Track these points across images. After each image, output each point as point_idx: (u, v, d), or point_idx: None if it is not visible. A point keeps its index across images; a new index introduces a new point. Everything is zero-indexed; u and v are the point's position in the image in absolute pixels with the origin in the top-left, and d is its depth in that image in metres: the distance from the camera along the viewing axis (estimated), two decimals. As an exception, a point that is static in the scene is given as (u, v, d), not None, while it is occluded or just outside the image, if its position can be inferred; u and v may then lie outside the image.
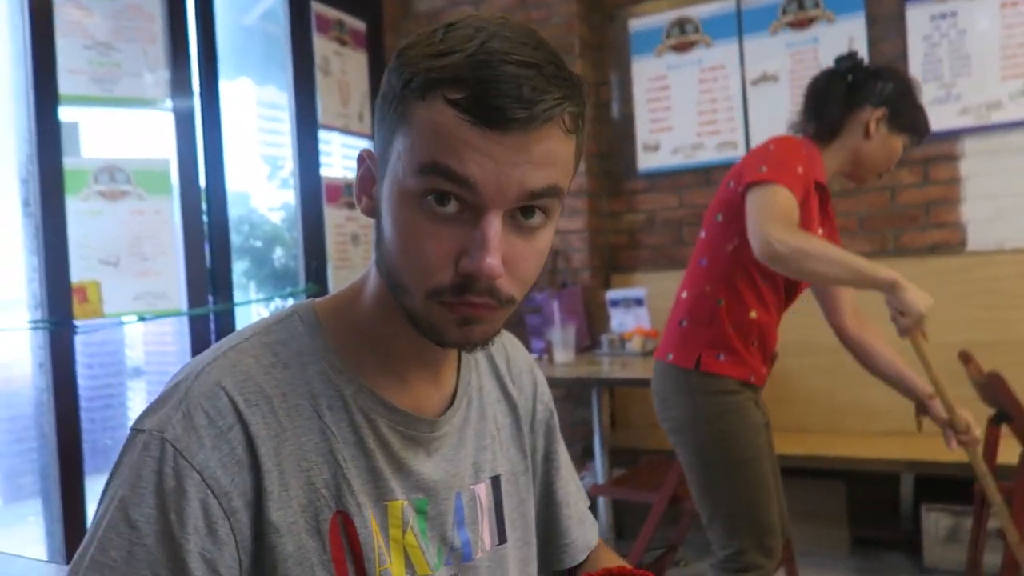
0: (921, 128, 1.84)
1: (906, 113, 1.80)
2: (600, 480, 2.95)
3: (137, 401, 4.67)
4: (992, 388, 2.12)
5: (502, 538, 0.82)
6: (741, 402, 1.80)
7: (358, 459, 0.71)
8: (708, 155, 3.42)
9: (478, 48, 0.60)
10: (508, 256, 0.64)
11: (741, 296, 1.81)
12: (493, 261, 0.62)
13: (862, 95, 1.79)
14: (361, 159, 0.72)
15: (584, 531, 0.96)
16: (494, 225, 0.62)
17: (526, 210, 0.64)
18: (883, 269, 1.65)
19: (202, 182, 2.62)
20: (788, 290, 1.91)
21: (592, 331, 3.37)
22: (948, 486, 2.85)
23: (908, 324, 1.73)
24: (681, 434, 1.84)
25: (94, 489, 2.23)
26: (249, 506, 0.65)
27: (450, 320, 0.66)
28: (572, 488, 0.95)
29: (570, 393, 3.39)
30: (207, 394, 0.67)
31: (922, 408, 1.95)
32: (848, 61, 1.86)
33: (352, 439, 0.71)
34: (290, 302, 0.74)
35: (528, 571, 0.85)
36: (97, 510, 0.66)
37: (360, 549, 0.69)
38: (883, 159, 1.83)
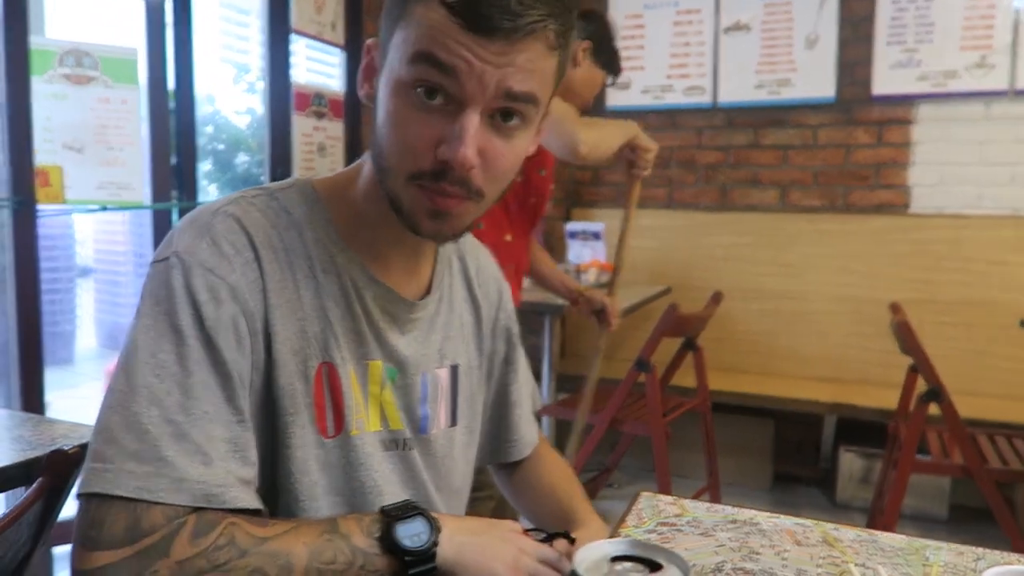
0: (615, 67, 2.15)
1: (606, 50, 2.10)
2: (547, 402, 3.08)
3: (85, 298, 4.60)
4: (900, 334, 2.28)
5: (453, 421, 0.91)
6: None
7: (345, 319, 0.78)
8: (676, 98, 3.48)
9: None
10: (484, 151, 0.71)
11: (496, 219, 1.93)
12: (468, 151, 0.68)
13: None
14: (367, 49, 0.77)
15: (531, 430, 1.06)
16: (472, 119, 0.68)
17: (505, 114, 0.71)
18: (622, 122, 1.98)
19: (170, 77, 2.57)
20: (533, 212, 2.08)
21: (549, 261, 3.46)
22: (866, 429, 3.06)
23: (649, 163, 2.03)
24: None
25: (51, 376, 2.25)
26: (262, 333, 0.73)
27: (424, 209, 0.73)
28: (526, 392, 1.05)
29: (523, 319, 3.46)
30: (230, 228, 0.73)
31: (575, 300, 2.28)
32: None
33: (342, 301, 0.78)
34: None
35: (468, 455, 0.95)
36: (131, 332, 0.70)
37: (341, 398, 0.77)
38: (588, 87, 2.10)
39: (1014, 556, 0.81)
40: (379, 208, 0.78)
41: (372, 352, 0.80)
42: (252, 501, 0.68)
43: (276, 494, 0.75)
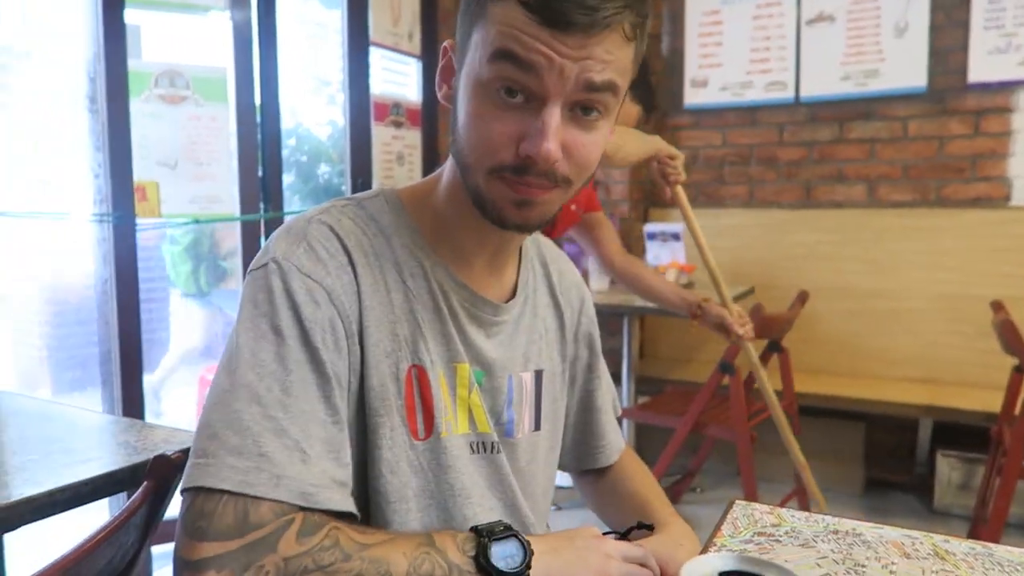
0: (650, 102, 2.14)
1: (642, 85, 2.06)
2: (626, 405, 3.05)
3: (175, 305, 4.81)
4: (1004, 333, 2.17)
5: (538, 425, 0.90)
6: None
7: (434, 322, 0.79)
8: (756, 94, 3.40)
9: None
10: (567, 143, 0.71)
11: None
12: (551, 146, 0.69)
13: None
14: (444, 51, 0.78)
15: (617, 436, 1.05)
16: (554, 114, 0.69)
17: (586, 107, 0.71)
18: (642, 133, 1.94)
19: (256, 92, 2.67)
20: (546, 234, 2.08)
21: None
22: (964, 434, 2.92)
23: (679, 169, 1.95)
24: None
25: (151, 379, 2.36)
26: (357, 335, 0.74)
27: (509, 199, 0.73)
28: (609, 399, 1.04)
29: (602, 321, 3.44)
30: (324, 235, 0.75)
31: (695, 314, 2.14)
32: None
33: (430, 304, 0.79)
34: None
35: (551, 460, 0.95)
36: (232, 337, 0.72)
37: (431, 400, 0.78)
38: (623, 122, 2.04)
39: None
40: (462, 211, 0.79)
41: (459, 355, 0.81)
42: (345, 504, 0.69)
43: (367, 496, 0.77)
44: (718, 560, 0.40)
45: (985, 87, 3.02)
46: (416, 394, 0.77)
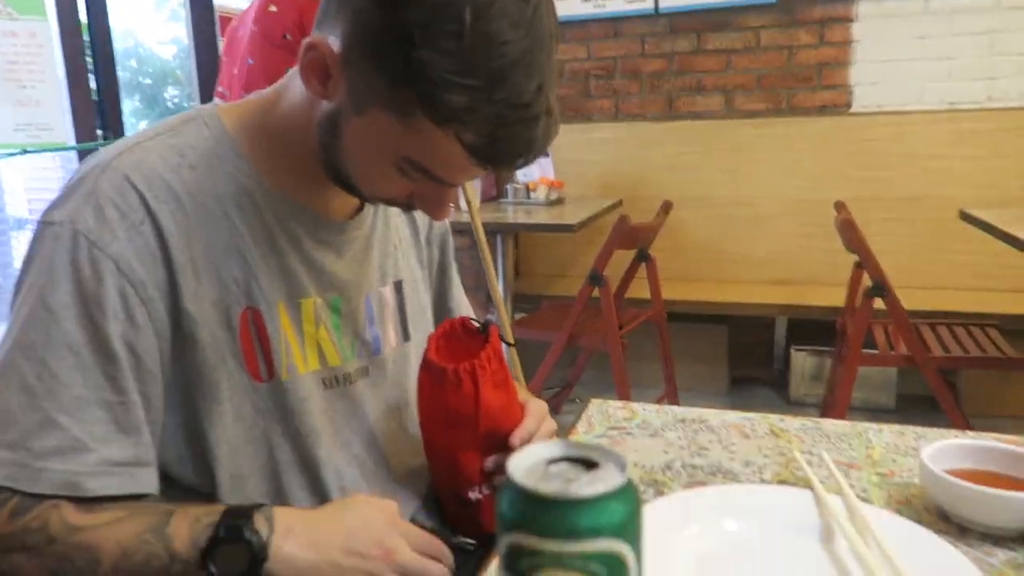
0: None
1: None
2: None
3: (22, 251, 4.43)
4: (845, 232, 2.32)
5: (406, 336, 0.89)
6: None
7: (268, 257, 0.74)
8: (617, 5, 3.39)
9: (503, 86, 0.61)
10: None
11: None
12: (449, 211, 0.73)
13: None
14: (313, 47, 0.67)
15: None
16: (455, 192, 0.72)
17: None
18: None
19: (81, 7, 2.42)
20: None
21: (498, 180, 3.42)
22: (816, 329, 3.14)
23: None
24: None
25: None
26: (165, 296, 0.69)
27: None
28: (463, 300, 1.04)
29: (476, 240, 3.46)
30: (116, 188, 0.68)
31: None
32: None
33: (262, 238, 0.74)
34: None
35: None
36: (13, 301, 0.68)
37: (268, 343, 0.74)
38: None
39: (952, 433, 0.83)
40: (304, 136, 0.73)
41: (304, 289, 0.77)
42: (127, 487, 0.66)
43: (214, 454, 0.73)
44: (544, 449, 0.40)
45: (830, -3, 3.14)
46: (254, 338, 0.74)
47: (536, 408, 0.84)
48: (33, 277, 0.67)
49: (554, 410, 2.85)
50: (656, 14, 3.35)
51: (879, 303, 2.27)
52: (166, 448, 0.72)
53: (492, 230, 2.89)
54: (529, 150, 0.66)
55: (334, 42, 0.65)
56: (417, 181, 0.69)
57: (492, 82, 0.60)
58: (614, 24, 3.43)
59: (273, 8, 2.00)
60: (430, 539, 0.72)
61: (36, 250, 0.68)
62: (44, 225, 0.68)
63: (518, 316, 3.22)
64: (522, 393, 0.91)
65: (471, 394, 0.77)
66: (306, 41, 0.67)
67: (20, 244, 4.39)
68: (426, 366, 0.80)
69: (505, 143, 0.64)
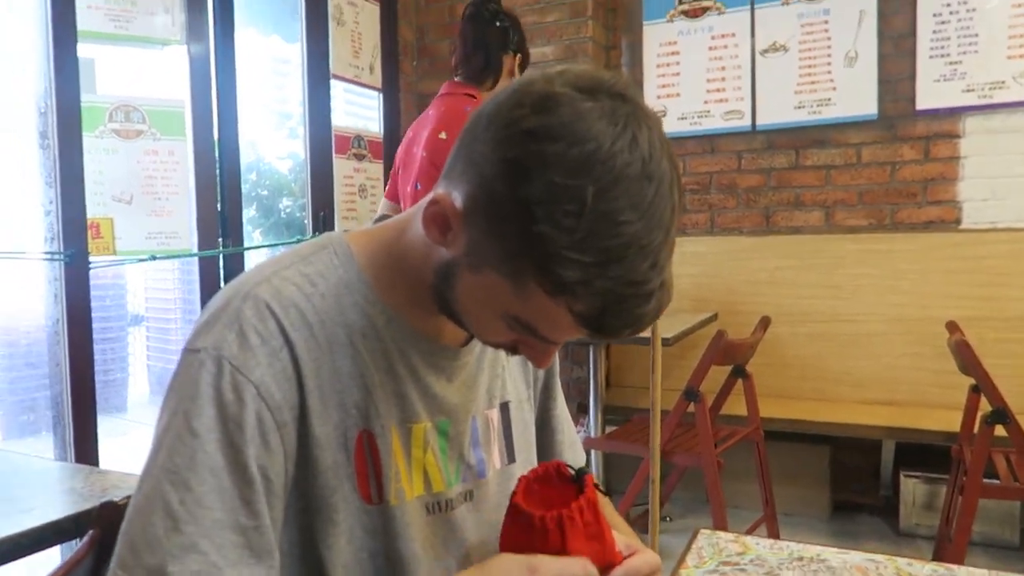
0: (526, 52, 2.17)
1: (529, 61, 2.11)
2: (593, 435, 3.03)
3: (137, 346, 4.70)
4: (960, 353, 2.20)
5: (511, 458, 0.89)
6: None
7: (386, 384, 0.77)
8: (714, 123, 3.46)
9: (618, 265, 0.62)
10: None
11: None
12: (550, 362, 0.75)
13: (510, 41, 2.03)
14: (436, 202, 0.70)
15: (575, 454, 1.03)
16: (557, 348, 0.74)
17: None
18: None
19: (215, 127, 2.64)
20: None
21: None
22: (927, 453, 2.95)
23: None
24: None
25: (104, 424, 2.28)
26: (296, 420, 0.72)
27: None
28: (565, 417, 1.03)
29: (568, 352, 3.46)
30: (258, 316, 0.72)
31: None
32: (494, 5, 2.04)
33: (383, 365, 0.77)
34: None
35: None
36: (157, 425, 0.71)
37: (380, 466, 0.76)
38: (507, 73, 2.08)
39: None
40: (422, 270, 0.76)
41: (416, 414, 0.79)
42: None
43: (325, 571, 0.74)
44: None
45: (933, 113, 3.11)
46: (368, 459, 0.76)
47: (645, 561, 0.77)
48: (177, 402, 0.70)
49: (643, 528, 2.74)
50: (753, 131, 3.39)
51: (1000, 430, 2.12)
52: (282, 569, 0.73)
53: (584, 343, 2.89)
54: (640, 323, 0.66)
55: (457, 198, 0.68)
56: (522, 335, 0.71)
57: (607, 260, 0.61)
58: (711, 140, 3.49)
59: (443, 136, 2.00)
60: (573, 560, 0.70)
61: (182, 375, 0.71)
62: (190, 352, 0.72)
63: (609, 429, 3.16)
64: (634, 542, 0.88)
65: (558, 545, 0.70)
66: (431, 195, 0.71)
67: (136, 340, 4.67)
68: (512, 510, 0.74)
69: (616, 317, 0.64)
